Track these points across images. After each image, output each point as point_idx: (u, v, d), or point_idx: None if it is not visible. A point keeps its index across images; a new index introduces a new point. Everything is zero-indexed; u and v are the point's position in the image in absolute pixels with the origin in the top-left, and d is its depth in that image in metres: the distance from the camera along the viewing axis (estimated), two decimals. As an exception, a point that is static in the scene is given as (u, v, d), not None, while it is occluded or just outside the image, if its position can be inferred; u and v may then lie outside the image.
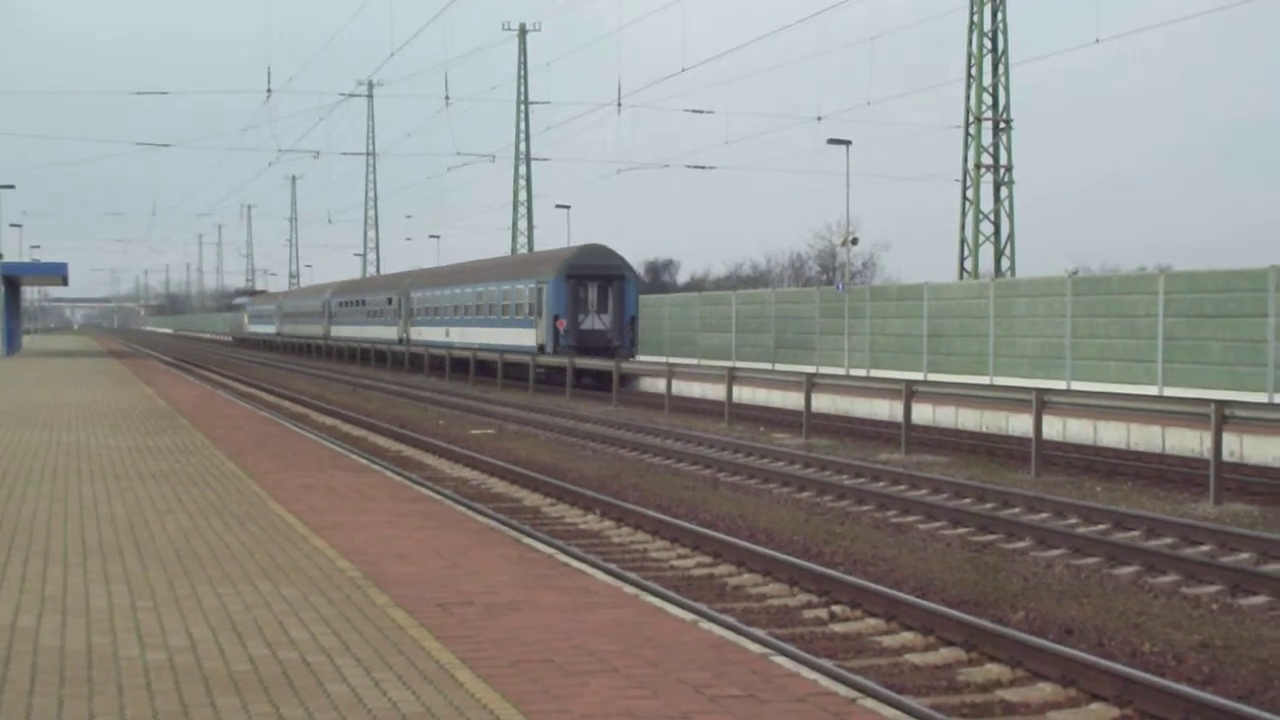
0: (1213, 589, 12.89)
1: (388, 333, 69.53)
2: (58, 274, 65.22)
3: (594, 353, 46.13)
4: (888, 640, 10.95)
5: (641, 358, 49.41)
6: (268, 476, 17.22)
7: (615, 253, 50.19)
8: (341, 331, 79.91)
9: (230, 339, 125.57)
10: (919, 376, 38.20)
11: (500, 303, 53.91)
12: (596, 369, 43.37)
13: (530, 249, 71.77)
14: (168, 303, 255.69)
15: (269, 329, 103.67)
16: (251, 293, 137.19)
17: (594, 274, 48.75)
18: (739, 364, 46.83)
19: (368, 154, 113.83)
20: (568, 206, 66.25)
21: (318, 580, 10.27)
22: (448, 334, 59.43)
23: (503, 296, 53.76)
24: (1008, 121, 49.42)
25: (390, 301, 70.33)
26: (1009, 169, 49.66)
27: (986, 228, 49.58)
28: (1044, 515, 17.41)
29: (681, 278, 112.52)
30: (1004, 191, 49.71)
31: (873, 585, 12.26)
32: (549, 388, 45.46)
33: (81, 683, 7.24)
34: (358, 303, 78.14)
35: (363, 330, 74.96)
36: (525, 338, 50.45)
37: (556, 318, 48.25)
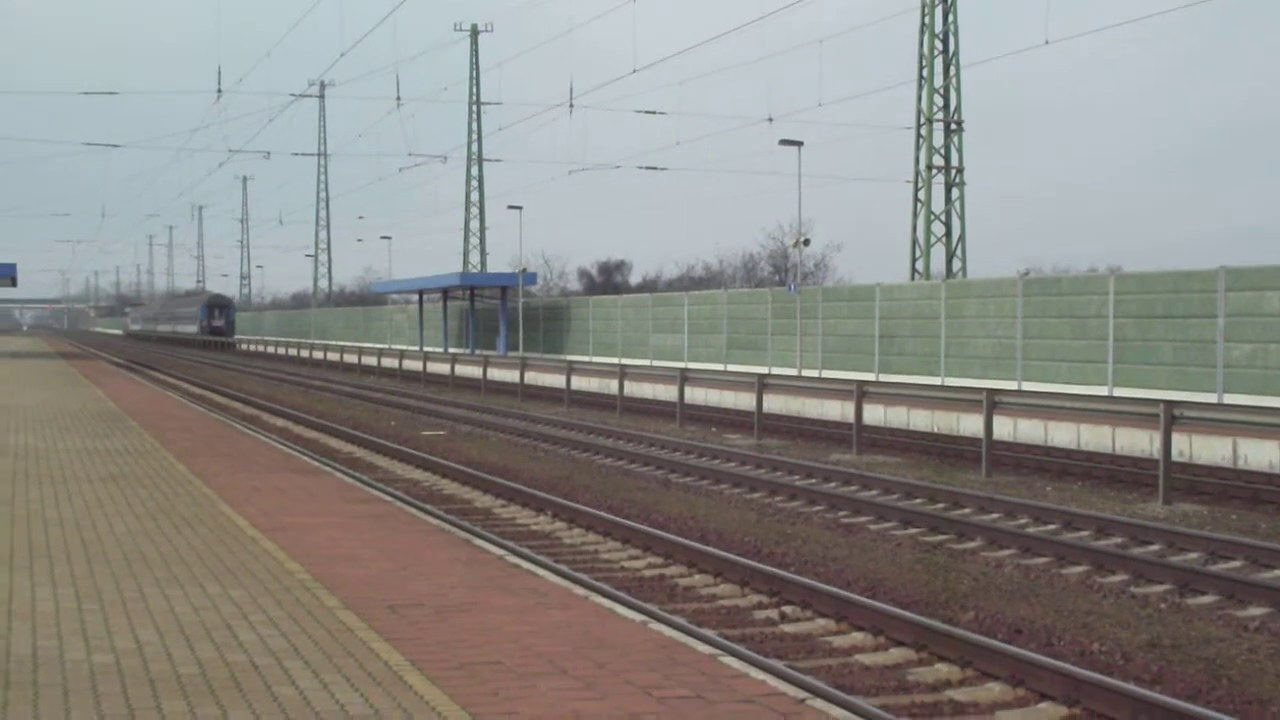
0: (1161, 588, 12.99)
1: (169, 328, 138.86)
2: (6, 275, 64.43)
3: (217, 335, 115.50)
4: (838, 640, 10.97)
5: (594, 358, 56.47)
6: (217, 478, 17.12)
7: (228, 296, 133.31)
8: (157, 328, 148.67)
9: (122, 333, 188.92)
10: (870, 377, 38.30)
11: (187, 314, 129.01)
12: (217, 340, 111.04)
13: (482, 250, 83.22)
14: (117, 304, 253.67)
15: (138, 327, 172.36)
16: (134, 304, 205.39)
17: (218, 304, 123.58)
18: (691, 365, 46.92)
19: (319, 155, 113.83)
20: (519, 207, 65.82)
21: (267, 582, 10.21)
22: (183, 329, 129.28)
23: (190, 312, 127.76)
24: (959, 123, 49.62)
25: (172, 313, 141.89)
26: (960, 170, 49.88)
27: (938, 229, 49.82)
28: (994, 515, 17.50)
29: (634, 279, 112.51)
30: (955, 192, 49.95)
31: (823, 586, 12.29)
32: (212, 348, 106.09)
33: (27, 686, 7.17)
34: (163, 312, 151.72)
35: (162, 326, 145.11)
36: (194, 328, 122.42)
37: (201, 320, 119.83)
